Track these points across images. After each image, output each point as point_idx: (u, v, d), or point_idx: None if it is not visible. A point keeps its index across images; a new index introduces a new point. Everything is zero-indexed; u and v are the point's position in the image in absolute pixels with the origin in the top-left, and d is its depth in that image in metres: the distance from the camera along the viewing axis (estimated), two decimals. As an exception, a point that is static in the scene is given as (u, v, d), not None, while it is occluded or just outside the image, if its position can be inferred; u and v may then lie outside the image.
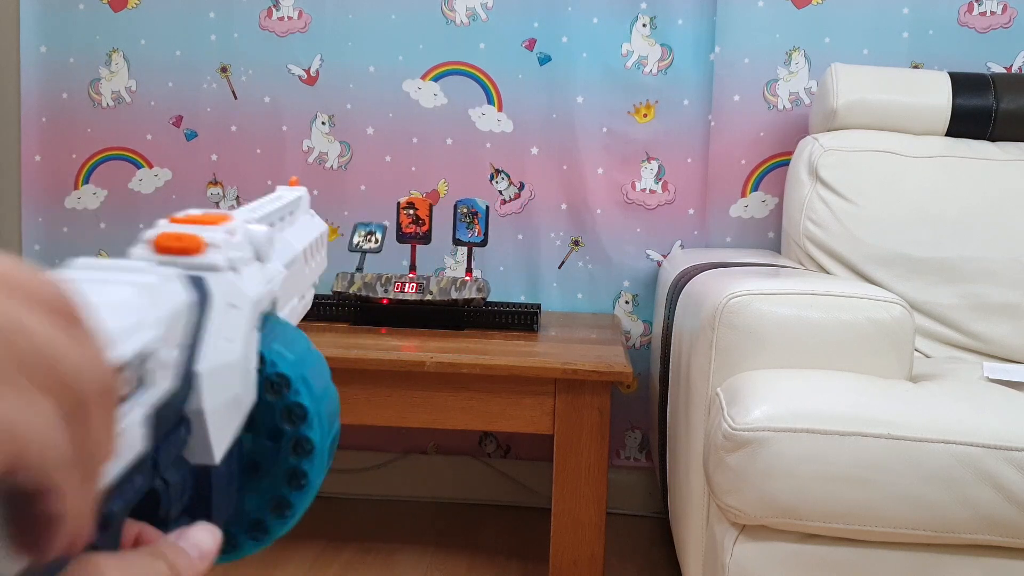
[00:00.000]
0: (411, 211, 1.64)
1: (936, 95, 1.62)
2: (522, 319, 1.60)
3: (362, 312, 1.61)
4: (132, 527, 0.29)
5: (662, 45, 1.86)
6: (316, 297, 1.66)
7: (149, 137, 1.97)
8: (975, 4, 1.77)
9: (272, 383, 0.34)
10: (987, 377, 1.11)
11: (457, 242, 1.65)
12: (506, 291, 1.93)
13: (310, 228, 0.45)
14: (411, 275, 1.61)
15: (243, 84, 1.93)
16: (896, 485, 0.94)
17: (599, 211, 1.89)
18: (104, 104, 1.96)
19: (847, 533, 0.97)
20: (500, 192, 1.92)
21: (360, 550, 1.69)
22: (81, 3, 1.94)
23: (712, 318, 1.08)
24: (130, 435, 0.26)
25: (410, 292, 1.58)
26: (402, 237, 1.65)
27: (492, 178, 1.92)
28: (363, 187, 1.94)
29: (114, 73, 1.96)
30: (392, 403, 1.37)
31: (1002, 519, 0.93)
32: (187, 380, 0.30)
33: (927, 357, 1.46)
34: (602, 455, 1.36)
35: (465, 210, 1.64)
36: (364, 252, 1.65)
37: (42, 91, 1.97)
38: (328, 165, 1.94)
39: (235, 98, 1.94)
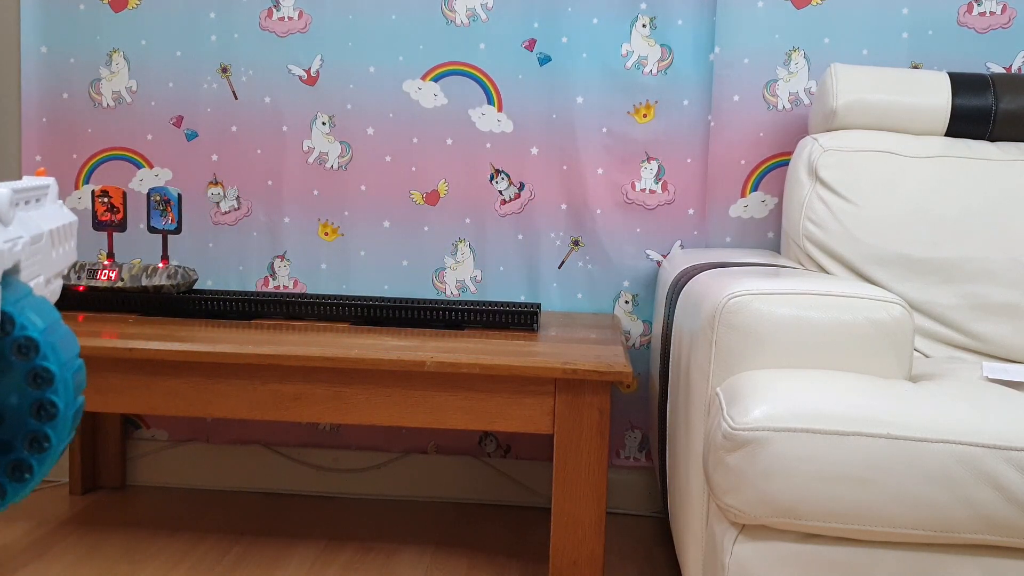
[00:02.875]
0: (105, 199, 1.68)
1: (936, 95, 1.62)
2: (522, 319, 1.60)
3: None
4: None
5: (662, 45, 1.86)
6: (322, 297, 1.67)
7: (149, 137, 1.97)
8: (975, 4, 1.78)
9: (20, 346, 0.35)
10: (987, 377, 1.11)
11: (152, 230, 1.70)
12: (506, 291, 1.93)
13: (58, 216, 0.46)
14: (107, 263, 1.67)
15: (243, 84, 1.94)
16: (896, 485, 0.94)
17: (599, 211, 1.89)
18: (104, 104, 1.97)
19: (847, 533, 0.97)
20: (500, 192, 1.92)
21: (360, 550, 1.69)
22: (81, 3, 1.95)
23: (712, 318, 1.08)
24: None
25: (102, 279, 1.65)
26: (98, 225, 1.70)
27: (492, 178, 1.92)
28: (363, 187, 1.94)
29: (115, 73, 1.96)
30: (392, 403, 1.38)
31: (1002, 519, 0.93)
32: None
33: (927, 357, 1.46)
34: (602, 455, 1.36)
35: (158, 198, 1.69)
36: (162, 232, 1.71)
37: (42, 91, 1.97)
38: (328, 165, 1.94)
39: (235, 98, 1.94)
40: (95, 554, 1.63)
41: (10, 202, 0.37)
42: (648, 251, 1.90)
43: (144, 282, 1.61)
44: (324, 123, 1.93)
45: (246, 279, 1.98)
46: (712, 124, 1.86)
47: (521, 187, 1.91)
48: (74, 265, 1.63)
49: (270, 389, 1.39)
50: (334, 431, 2.02)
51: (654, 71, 1.86)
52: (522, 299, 1.93)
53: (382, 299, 1.70)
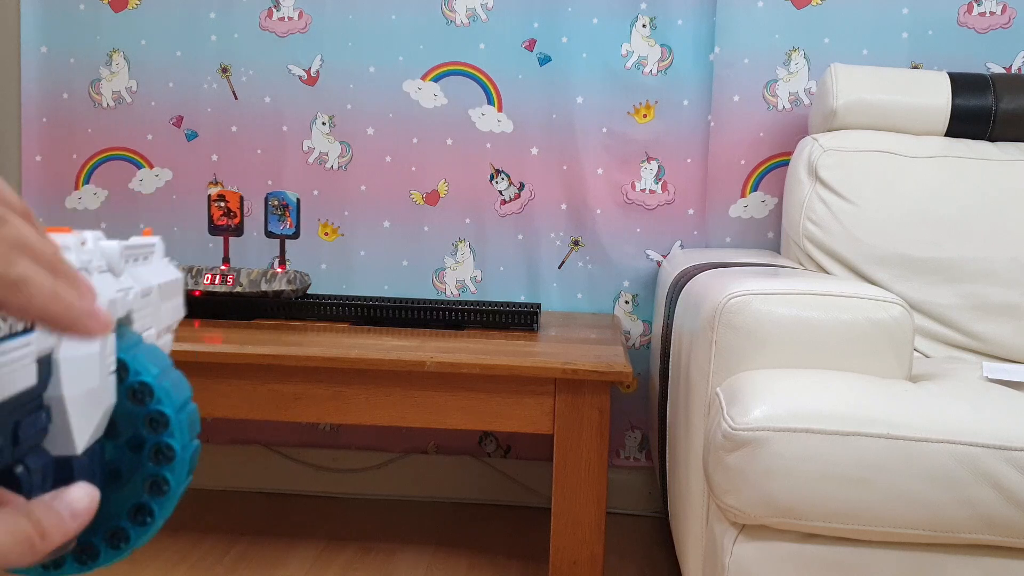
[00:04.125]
0: (222, 203, 1.65)
1: (935, 95, 1.62)
2: (522, 319, 1.60)
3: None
4: None
5: (662, 45, 1.86)
6: (322, 298, 1.67)
7: (150, 137, 1.97)
8: (975, 4, 1.78)
9: (135, 391, 0.36)
10: (987, 377, 1.11)
11: (269, 235, 1.68)
12: (506, 291, 1.93)
13: (166, 271, 0.48)
14: (223, 268, 1.63)
15: (243, 84, 1.94)
16: (896, 485, 0.94)
17: (599, 211, 1.89)
18: (105, 104, 1.97)
19: (847, 533, 0.97)
20: (500, 192, 1.92)
21: (360, 550, 1.69)
22: (82, 3, 1.95)
23: (712, 318, 1.08)
24: (23, 367, 0.28)
25: (219, 284, 1.60)
26: (215, 229, 1.68)
27: (492, 178, 1.92)
28: (363, 187, 1.94)
29: (115, 73, 1.96)
30: (392, 403, 1.38)
31: (1002, 519, 0.93)
32: (47, 368, 0.31)
33: (927, 357, 1.46)
34: (602, 455, 1.36)
35: (276, 202, 1.65)
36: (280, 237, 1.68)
37: (43, 91, 1.97)
38: (328, 165, 1.94)
39: (235, 98, 1.94)
40: (95, 554, 1.62)
41: (120, 254, 0.38)
42: (648, 251, 1.90)
43: (263, 287, 1.58)
44: (324, 123, 1.93)
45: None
46: (712, 124, 1.86)
47: (521, 187, 1.91)
48: (190, 269, 1.60)
49: (270, 389, 1.39)
50: (334, 431, 2.02)
51: (654, 71, 1.86)
52: (522, 299, 1.93)
53: (382, 299, 1.70)
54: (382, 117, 1.92)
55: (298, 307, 1.62)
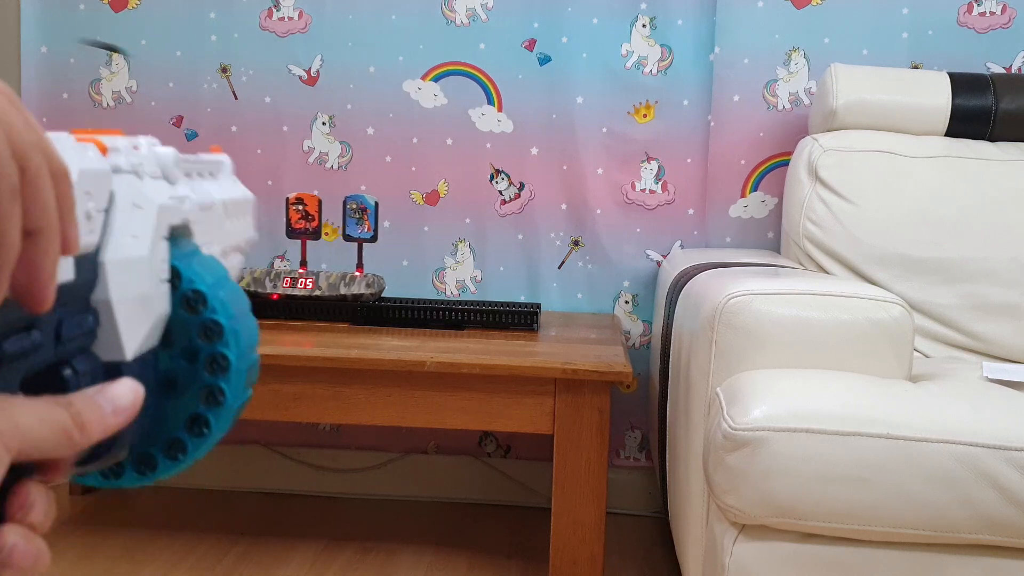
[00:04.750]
0: (300, 207, 1.65)
1: (935, 95, 1.62)
2: (522, 319, 1.60)
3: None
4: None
5: (662, 45, 1.86)
6: (385, 300, 1.65)
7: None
8: (975, 4, 1.78)
9: (188, 300, 0.35)
10: (987, 377, 1.11)
11: (347, 238, 1.66)
12: (506, 291, 1.93)
13: (233, 189, 0.46)
14: (301, 270, 1.62)
15: (243, 84, 1.94)
16: (896, 485, 0.94)
17: (599, 211, 1.89)
18: (105, 104, 1.97)
19: (847, 533, 0.97)
20: (500, 192, 1.92)
21: (360, 550, 1.69)
22: (82, 3, 1.95)
23: (712, 318, 1.08)
24: (61, 261, 0.27)
25: (300, 288, 1.59)
26: (292, 233, 1.67)
27: (492, 178, 1.92)
28: (363, 187, 1.94)
29: (115, 73, 1.96)
30: (392, 403, 1.38)
31: (1002, 519, 0.93)
32: (92, 270, 0.30)
33: (927, 357, 1.46)
34: (602, 455, 1.36)
35: (354, 206, 1.64)
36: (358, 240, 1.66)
37: (43, 91, 1.97)
38: (328, 165, 1.94)
39: (235, 98, 1.94)
40: (95, 554, 1.63)
41: (175, 162, 0.37)
42: (648, 251, 1.90)
43: (343, 290, 1.57)
44: (324, 123, 1.93)
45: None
46: (712, 124, 1.86)
47: (521, 187, 1.91)
48: (268, 272, 1.59)
49: (270, 389, 1.39)
50: (334, 431, 2.02)
51: (654, 71, 1.86)
52: (522, 299, 1.93)
53: (382, 299, 1.70)
54: (382, 117, 1.92)
55: (374, 311, 1.61)
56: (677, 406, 1.30)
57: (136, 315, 0.32)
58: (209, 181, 0.44)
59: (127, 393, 0.30)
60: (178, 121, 1.96)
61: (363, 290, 1.57)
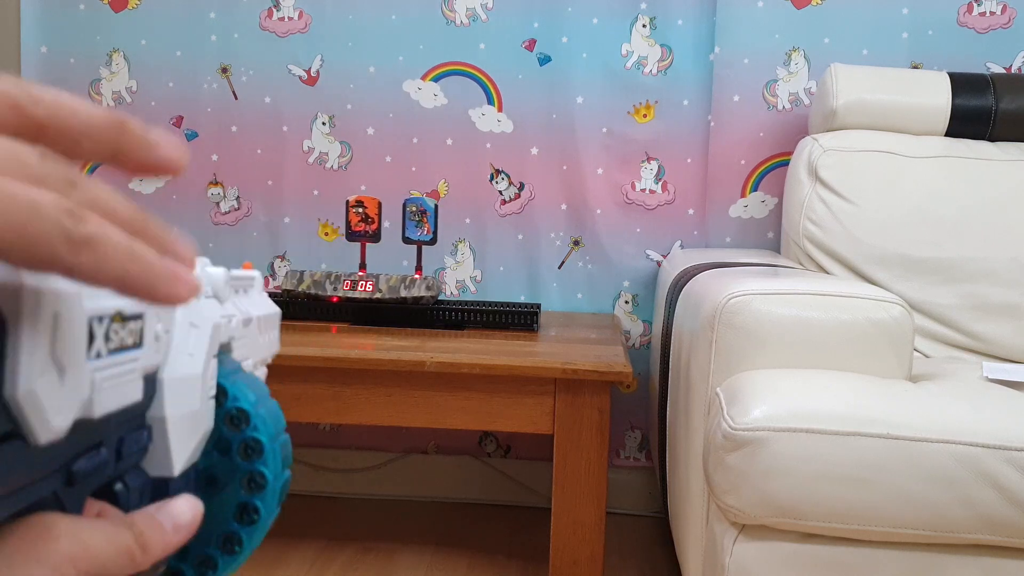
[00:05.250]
0: (360, 209, 1.64)
1: (935, 95, 1.62)
2: (522, 319, 1.60)
3: (311, 310, 1.61)
4: (94, 505, 0.29)
5: (662, 45, 1.86)
6: (384, 300, 1.65)
7: (149, 137, 1.97)
8: (975, 4, 1.78)
9: (232, 417, 0.36)
10: (987, 377, 1.11)
11: (407, 240, 1.65)
12: (506, 291, 1.93)
13: (264, 305, 0.48)
14: (361, 273, 1.61)
15: (243, 84, 1.94)
16: (896, 485, 0.94)
17: (599, 211, 1.89)
18: (105, 104, 1.97)
19: (847, 533, 0.97)
20: (500, 192, 1.92)
21: (360, 550, 1.69)
22: (81, 3, 1.95)
23: (712, 318, 1.08)
24: (130, 381, 0.28)
25: (360, 290, 1.59)
26: (352, 235, 1.66)
27: (492, 178, 1.92)
28: (363, 187, 1.94)
29: (115, 73, 1.96)
30: (392, 403, 1.38)
31: (1002, 519, 0.93)
32: (151, 386, 0.31)
33: (927, 357, 1.46)
34: (602, 455, 1.36)
35: (414, 208, 1.64)
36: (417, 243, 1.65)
37: (42, 91, 1.97)
38: (328, 165, 1.94)
39: (235, 98, 1.94)
40: (95, 554, 1.62)
41: (226, 281, 0.39)
42: (648, 251, 1.90)
43: (403, 293, 1.56)
44: (324, 123, 1.93)
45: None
46: (712, 124, 1.86)
47: (521, 187, 1.91)
48: (328, 275, 1.58)
49: (270, 389, 1.39)
50: (334, 431, 2.02)
51: (654, 71, 1.86)
52: (522, 299, 1.93)
53: (382, 299, 1.70)
54: (382, 117, 1.92)
55: (429, 314, 1.60)
56: (677, 406, 1.30)
57: (186, 432, 0.33)
58: (244, 298, 0.45)
59: (187, 511, 0.30)
60: (178, 121, 1.96)
61: (423, 292, 1.57)
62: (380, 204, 1.65)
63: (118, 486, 0.30)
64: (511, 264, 1.93)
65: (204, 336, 0.34)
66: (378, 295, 1.58)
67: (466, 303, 1.67)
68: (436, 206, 1.64)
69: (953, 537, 0.95)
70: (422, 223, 1.62)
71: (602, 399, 1.35)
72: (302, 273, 1.60)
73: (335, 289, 1.59)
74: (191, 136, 1.96)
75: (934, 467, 0.93)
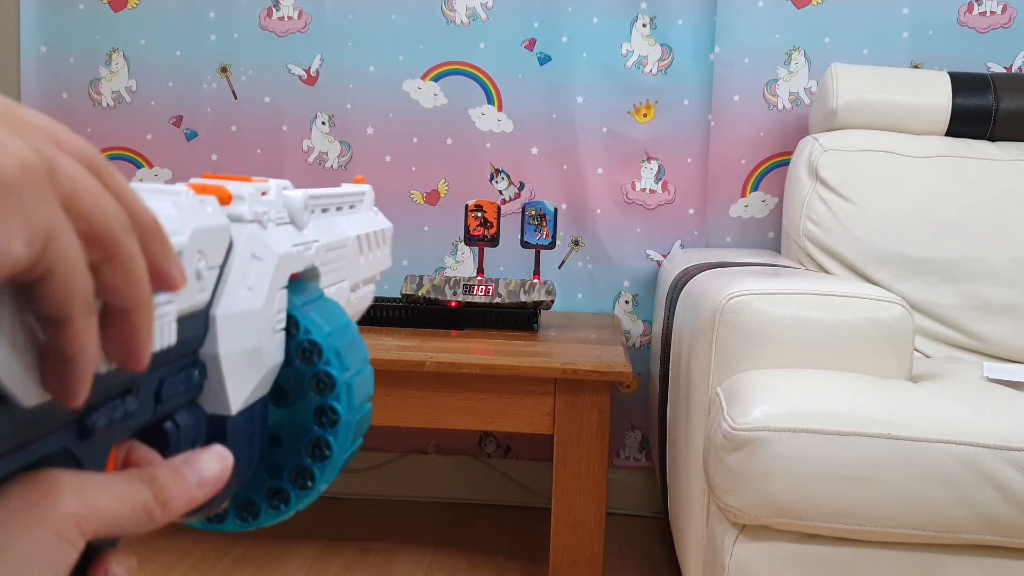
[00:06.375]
0: (479, 214, 1.64)
1: (936, 95, 1.62)
2: (522, 319, 1.60)
3: (430, 315, 1.60)
4: (121, 447, 0.28)
5: (662, 45, 1.86)
6: (384, 299, 1.65)
7: (149, 137, 1.97)
8: (975, 4, 1.77)
9: (304, 349, 0.34)
10: (987, 377, 1.11)
11: (525, 244, 1.64)
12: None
13: (371, 221, 0.46)
14: (479, 277, 1.60)
15: (243, 84, 1.94)
16: (896, 485, 0.94)
17: (599, 211, 1.89)
18: (104, 104, 1.96)
19: (847, 533, 0.97)
20: (500, 192, 1.92)
21: (360, 550, 1.69)
22: (81, 3, 1.95)
23: (712, 318, 1.08)
24: (161, 326, 0.27)
25: (479, 295, 1.57)
26: (471, 240, 1.65)
27: (492, 178, 1.92)
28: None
29: (114, 73, 1.96)
30: (392, 403, 1.37)
31: (1002, 519, 0.93)
32: (204, 323, 0.30)
33: (927, 357, 1.46)
34: (602, 455, 1.36)
35: (534, 212, 1.63)
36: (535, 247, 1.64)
37: (42, 91, 1.97)
38: (328, 165, 1.94)
39: (235, 98, 1.94)
40: (95, 554, 1.62)
41: (304, 206, 0.37)
42: (648, 251, 1.90)
43: (523, 297, 1.55)
44: (324, 123, 1.93)
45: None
46: (712, 124, 1.85)
47: (521, 187, 1.91)
48: (448, 280, 1.57)
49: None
50: (334, 431, 2.01)
51: (654, 71, 1.86)
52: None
53: (382, 299, 1.70)
54: (382, 117, 1.92)
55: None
56: (677, 406, 1.30)
57: (245, 368, 0.32)
58: (346, 215, 0.43)
59: (214, 463, 0.29)
60: (178, 121, 1.96)
61: (543, 297, 1.56)
62: (499, 208, 1.64)
63: (168, 424, 0.29)
64: (511, 264, 1.93)
65: (268, 268, 0.33)
66: (498, 300, 1.57)
67: (466, 303, 1.66)
68: (556, 210, 1.63)
69: (953, 537, 0.95)
70: (541, 227, 1.61)
71: (602, 399, 1.35)
72: (421, 277, 1.59)
73: (454, 294, 1.58)
74: (191, 136, 1.96)
75: (934, 467, 0.93)
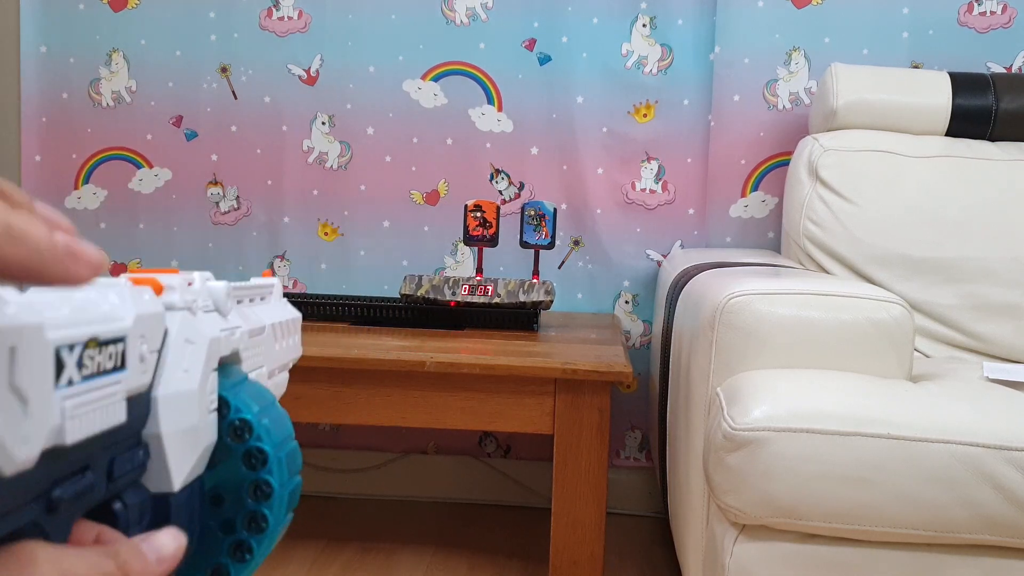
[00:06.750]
0: (478, 214, 1.64)
1: (936, 95, 1.62)
2: (522, 319, 1.60)
3: (428, 315, 1.61)
4: (91, 528, 0.29)
5: (662, 45, 1.86)
6: (321, 297, 1.66)
7: (149, 137, 1.97)
8: (975, 4, 1.77)
9: (235, 428, 0.36)
10: (987, 377, 1.11)
11: (524, 245, 1.64)
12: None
13: (282, 311, 0.49)
14: (478, 278, 1.60)
15: (243, 84, 1.94)
16: (896, 485, 0.94)
17: (599, 211, 1.89)
18: (104, 104, 1.96)
19: (847, 533, 0.97)
20: (500, 192, 1.92)
21: (360, 550, 1.69)
22: (81, 3, 1.95)
23: (712, 318, 1.08)
24: (111, 405, 0.28)
25: (478, 295, 1.58)
26: (470, 240, 1.64)
27: (492, 178, 1.92)
28: (363, 187, 1.94)
29: (114, 73, 1.96)
30: (392, 403, 1.37)
31: (1002, 519, 0.93)
32: (147, 404, 0.32)
33: (927, 357, 1.46)
34: (602, 455, 1.36)
35: (533, 212, 1.63)
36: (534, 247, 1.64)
37: (42, 91, 1.97)
38: (328, 165, 1.94)
39: (235, 98, 1.94)
40: (95, 554, 1.62)
41: (227, 295, 0.39)
42: (648, 251, 1.90)
43: (522, 297, 1.55)
44: (324, 123, 1.93)
45: (245, 279, 1.98)
46: (712, 124, 1.85)
47: (521, 187, 1.91)
48: (447, 280, 1.57)
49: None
50: (334, 431, 2.01)
51: (654, 71, 1.86)
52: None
53: (382, 299, 1.70)
54: (382, 117, 1.92)
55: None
56: (677, 406, 1.30)
57: (184, 447, 0.33)
58: (260, 306, 0.46)
59: (171, 543, 0.31)
60: (178, 121, 1.96)
61: (542, 297, 1.56)
62: (499, 208, 1.64)
63: (116, 505, 0.30)
64: (511, 264, 1.93)
65: (200, 351, 0.35)
66: (497, 300, 1.57)
67: (466, 303, 1.66)
68: (555, 211, 1.63)
69: (953, 537, 0.95)
70: (540, 227, 1.61)
71: (602, 399, 1.35)
72: (420, 278, 1.59)
73: (453, 294, 1.58)
74: (191, 136, 1.96)
75: (934, 467, 0.93)
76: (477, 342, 1.47)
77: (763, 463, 0.95)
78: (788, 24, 1.82)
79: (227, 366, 0.39)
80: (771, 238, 1.86)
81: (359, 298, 1.70)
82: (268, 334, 0.44)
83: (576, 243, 1.91)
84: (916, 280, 1.51)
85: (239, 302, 0.43)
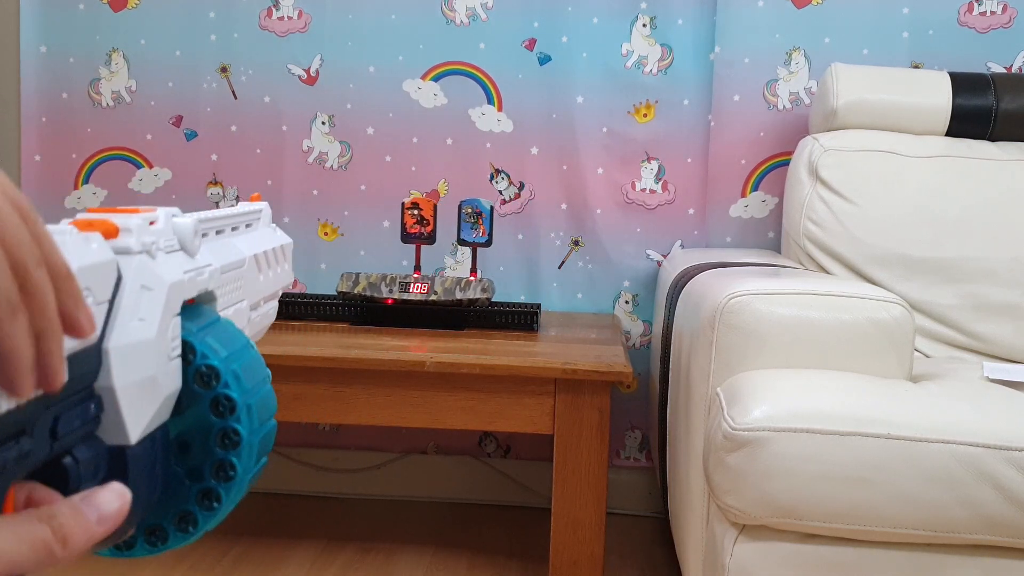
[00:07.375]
0: (415, 211, 1.64)
1: (936, 95, 1.62)
2: (522, 319, 1.60)
3: (366, 312, 1.61)
4: (22, 489, 0.29)
5: (662, 45, 1.86)
6: (321, 297, 1.66)
7: (149, 137, 1.97)
8: (975, 4, 1.77)
9: (201, 374, 0.35)
10: (987, 377, 1.11)
11: (461, 242, 1.64)
12: (506, 291, 1.93)
13: (268, 239, 0.46)
14: (415, 275, 1.60)
15: (243, 84, 1.93)
16: (896, 485, 0.93)
17: (599, 211, 1.89)
18: (104, 104, 1.96)
19: (847, 533, 0.97)
20: (500, 192, 1.92)
21: (360, 550, 1.69)
22: (81, 3, 1.95)
23: (712, 318, 1.08)
24: None
25: (415, 292, 1.58)
26: (407, 237, 1.65)
27: (492, 178, 1.92)
28: (363, 187, 1.94)
29: (114, 73, 1.96)
30: (392, 403, 1.37)
31: (1002, 519, 0.93)
32: (96, 357, 0.30)
33: (927, 357, 1.46)
34: (602, 455, 1.36)
35: (469, 210, 1.63)
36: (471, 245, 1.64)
37: (42, 91, 1.97)
38: (328, 165, 1.94)
39: (235, 98, 1.94)
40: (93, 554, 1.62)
41: (194, 232, 0.37)
42: (648, 251, 1.90)
43: (458, 295, 1.55)
44: (324, 123, 1.93)
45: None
46: (712, 124, 1.85)
47: (521, 187, 1.91)
48: (384, 277, 1.58)
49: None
50: (334, 431, 2.01)
51: (654, 71, 1.86)
52: (522, 299, 1.93)
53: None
54: (382, 117, 1.92)
55: (487, 315, 1.60)
56: (677, 406, 1.30)
57: (142, 398, 0.32)
58: (242, 235, 0.43)
59: (113, 500, 0.30)
60: (177, 121, 1.96)
61: (478, 294, 1.56)
62: (436, 206, 1.64)
63: (67, 460, 0.29)
64: (511, 264, 1.93)
65: (159, 297, 0.33)
66: (433, 297, 1.57)
67: (466, 303, 1.66)
68: (492, 208, 1.63)
69: (953, 537, 0.95)
70: (477, 225, 1.61)
71: (602, 399, 1.35)
72: (357, 275, 1.59)
73: (390, 291, 1.58)
74: (191, 136, 1.96)
75: (934, 467, 0.93)
76: (477, 342, 1.47)
77: (763, 463, 0.95)
78: (788, 24, 1.81)
79: (196, 307, 0.37)
80: (771, 238, 1.86)
81: (359, 298, 1.70)
82: (250, 266, 0.42)
83: (576, 243, 1.91)
84: (916, 280, 1.51)
85: (219, 232, 0.41)
